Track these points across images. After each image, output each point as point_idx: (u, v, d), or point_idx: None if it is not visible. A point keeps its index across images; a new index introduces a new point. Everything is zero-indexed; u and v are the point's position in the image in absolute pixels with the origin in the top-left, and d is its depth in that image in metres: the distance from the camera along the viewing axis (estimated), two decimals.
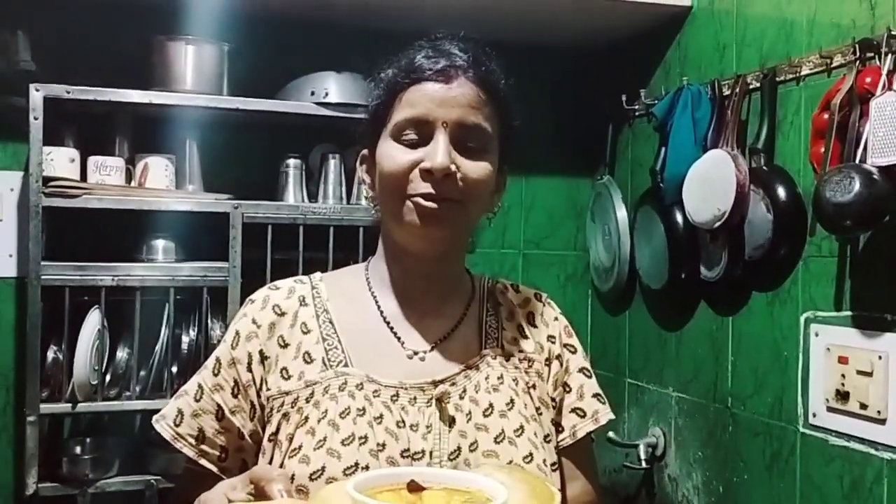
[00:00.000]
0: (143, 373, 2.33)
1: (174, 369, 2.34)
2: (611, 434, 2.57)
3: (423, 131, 1.10)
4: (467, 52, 1.14)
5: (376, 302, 1.19)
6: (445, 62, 1.11)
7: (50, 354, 2.28)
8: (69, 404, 2.24)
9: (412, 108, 1.10)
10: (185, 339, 2.38)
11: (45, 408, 2.22)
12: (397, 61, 1.15)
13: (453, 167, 1.09)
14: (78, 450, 2.41)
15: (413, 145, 1.11)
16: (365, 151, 1.20)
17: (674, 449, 2.52)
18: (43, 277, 2.19)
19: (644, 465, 2.56)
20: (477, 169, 1.11)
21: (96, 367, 2.26)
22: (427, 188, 1.09)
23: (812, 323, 1.99)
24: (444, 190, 1.09)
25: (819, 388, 1.95)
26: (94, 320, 2.25)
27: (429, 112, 1.10)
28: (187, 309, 2.40)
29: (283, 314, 1.17)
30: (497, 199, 1.23)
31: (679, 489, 2.48)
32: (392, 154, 1.11)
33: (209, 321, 2.34)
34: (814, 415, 1.97)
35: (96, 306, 2.25)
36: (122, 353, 2.37)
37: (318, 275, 1.24)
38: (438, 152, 1.08)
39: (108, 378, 2.32)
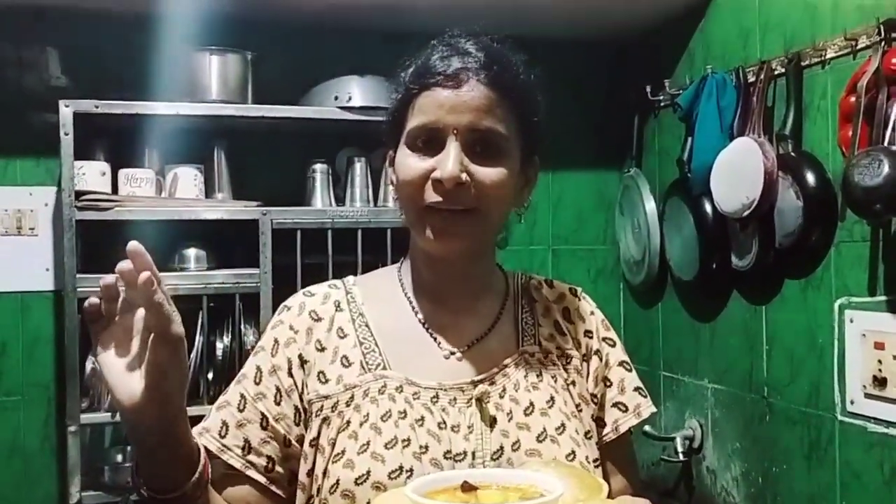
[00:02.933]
0: None
1: (210, 376, 2.37)
2: (647, 428, 2.55)
3: (434, 139, 1.09)
4: (482, 49, 1.12)
5: (411, 304, 1.19)
6: (458, 64, 1.10)
7: (88, 365, 2.32)
8: (109, 414, 2.28)
9: (423, 116, 1.10)
10: (219, 345, 2.41)
11: (86, 418, 2.26)
12: (413, 62, 1.15)
13: (464, 176, 1.07)
14: (119, 458, 2.46)
15: (427, 153, 1.10)
16: (390, 152, 1.19)
17: (711, 441, 2.50)
18: (79, 290, 2.23)
19: (682, 457, 2.54)
20: (491, 174, 1.10)
21: None
22: (439, 198, 1.08)
23: (846, 309, 1.96)
24: (457, 199, 1.08)
25: (856, 375, 1.93)
26: None
27: (439, 119, 1.09)
28: (220, 316, 2.43)
29: (319, 319, 1.17)
30: (527, 194, 1.21)
31: (718, 481, 2.46)
32: (407, 163, 1.11)
33: (242, 327, 2.37)
34: (851, 402, 1.94)
35: None
36: None
37: (351, 279, 1.25)
38: (449, 161, 1.07)
39: None
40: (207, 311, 2.36)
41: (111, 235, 2.37)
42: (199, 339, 2.35)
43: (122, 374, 0.93)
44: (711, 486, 2.48)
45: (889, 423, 1.84)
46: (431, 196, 1.09)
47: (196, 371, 2.35)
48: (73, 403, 2.24)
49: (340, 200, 2.57)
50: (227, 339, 2.41)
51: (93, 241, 2.37)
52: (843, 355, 1.96)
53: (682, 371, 2.66)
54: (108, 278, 0.91)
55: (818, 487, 2.05)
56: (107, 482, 2.30)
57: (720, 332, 2.47)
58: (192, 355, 2.34)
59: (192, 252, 2.42)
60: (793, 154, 2.08)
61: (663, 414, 2.73)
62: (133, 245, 0.90)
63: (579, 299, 1.27)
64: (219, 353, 2.41)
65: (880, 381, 1.84)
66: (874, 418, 1.88)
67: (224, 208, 2.41)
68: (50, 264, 2.52)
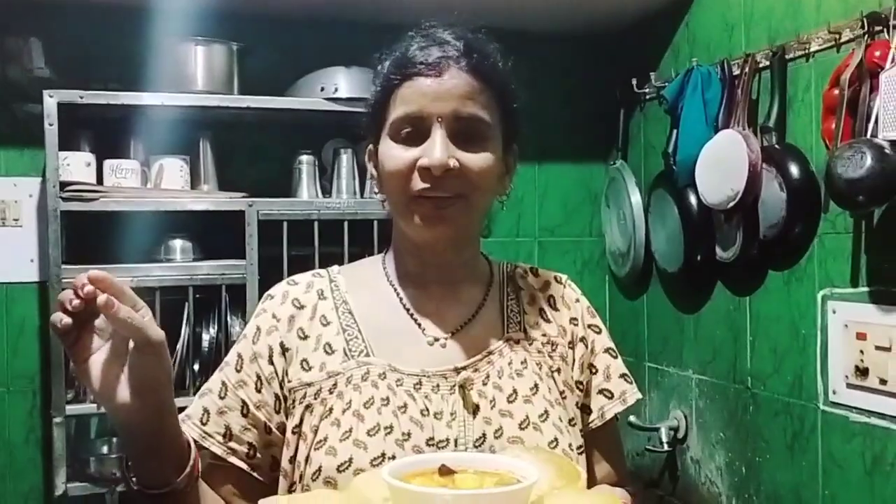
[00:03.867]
0: None
1: (196, 367, 2.36)
2: (632, 418, 2.57)
3: (419, 128, 1.10)
4: (460, 39, 1.13)
5: (395, 291, 1.20)
6: (438, 53, 1.10)
7: None
8: (94, 405, 2.27)
9: (406, 106, 1.10)
10: (205, 336, 2.41)
11: (71, 409, 2.25)
12: (391, 54, 1.15)
13: (452, 162, 1.08)
14: (105, 449, 2.45)
15: (411, 143, 1.10)
16: (371, 147, 1.19)
17: (695, 431, 2.52)
18: (63, 281, 2.22)
19: (666, 447, 2.56)
20: (477, 160, 1.10)
21: None
22: (427, 185, 1.09)
23: (829, 300, 1.98)
24: (445, 186, 1.09)
25: (838, 365, 1.95)
26: None
27: (422, 108, 1.09)
28: (207, 307, 2.42)
29: (302, 307, 1.17)
30: (508, 182, 1.22)
31: (702, 471, 2.48)
32: (392, 154, 1.11)
33: (228, 318, 2.36)
34: (834, 392, 1.96)
35: None
36: None
37: (335, 268, 1.25)
38: (435, 149, 1.07)
39: None
40: (193, 302, 2.35)
41: (96, 226, 2.37)
42: (185, 331, 2.34)
43: (105, 380, 0.93)
44: (696, 475, 2.50)
45: (871, 413, 1.86)
46: (419, 184, 1.09)
47: (182, 362, 2.34)
48: (59, 394, 2.23)
49: (327, 192, 2.56)
50: (213, 331, 2.41)
51: (78, 233, 2.36)
52: (826, 346, 1.98)
53: (666, 362, 2.68)
54: (66, 293, 0.90)
55: (801, 476, 2.07)
56: (92, 473, 2.29)
57: (705, 323, 2.48)
58: (178, 346, 2.34)
59: (177, 243, 2.41)
60: (777, 146, 2.09)
61: (648, 404, 2.75)
62: (94, 274, 0.90)
63: (564, 287, 1.28)
64: (205, 344, 2.41)
65: (862, 371, 1.86)
66: (856, 408, 1.90)
67: (210, 199, 2.41)
68: (35, 255, 2.51)
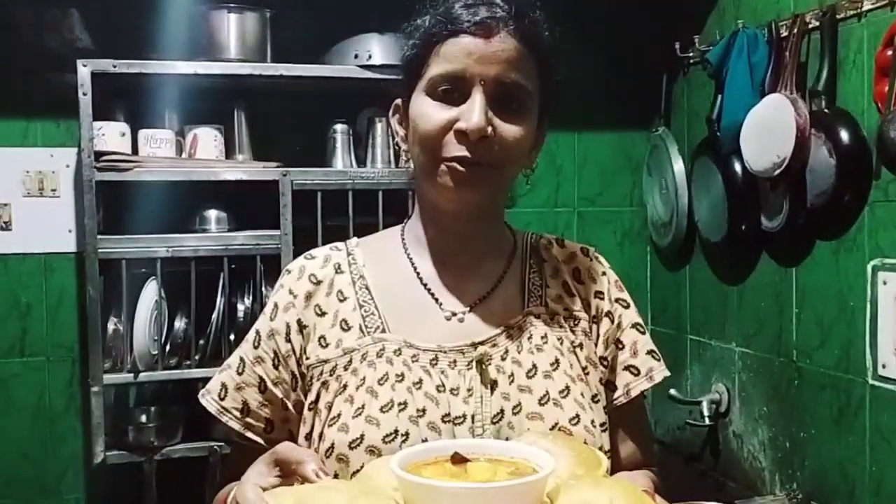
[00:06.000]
0: (201, 342, 2.36)
1: (231, 337, 2.36)
2: (673, 391, 2.52)
3: (459, 88, 1.05)
4: (509, 1, 1.08)
5: (412, 264, 1.16)
6: (486, 13, 1.05)
7: (111, 327, 2.33)
8: (131, 374, 2.29)
9: (449, 63, 1.05)
10: (240, 307, 2.41)
11: (109, 378, 2.27)
12: (434, 9, 1.09)
13: (489, 129, 1.04)
14: (143, 418, 2.47)
15: (449, 102, 1.06)
16: (398, 101, 1.15)
17: (738, 405, 2.46)
18: (100, 251, 2.23)
19: (708, 422, 2.51)
20: (514, 131, 1.06)
21: (156, 338, 2.30)
22: (462, 151, 1.04)
23: (880, 271, 1.91)
24: (480, 153, 1.04)
25: (888, 338, 1.88)
26: (150, 291, 2.28)
27: (466, 68, 1.04)
28: (242, 277, 2.42)
29: (319, 283, 1.15)
30: (535, 156, 1.17)
31: (744, 446, 2.42)
32: (427, 112, 1.07)
33: (263, 289, 2.35)
34: (883, 366, 1.89)
35: (153, 277, 2.29)
36: (180, 324, 2.41)
37: (354, 240, 1.22)
38: (475, 112, 1.03)
39: (167, 348, 2.36)
40: (228, 272, 2.35)
41: (132, 197, 2.38)
42: (220, 301, 2.34)
43: None
44: (738, 450, 2.45)
45: None
46: (453, 148, 1.05)
47: (217, 332, 2.34)
48: (96, 364, 2.24)
49: (361, 161, 2.53)
50: (248, 301, 2.41)
51: (114, 203, 2.37)
52: (876, 318, 1.91)
53: (709, 334, 2.62)
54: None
55: (847, 452, 2.01)
56: (131, 442, 2.31)
57: (748, 294, 2.42)
58: (214, 317, 2.34)
59: (212, 213, 2.40)
60: (826, 111, 2.01)
61: (690, 377, 2.69)
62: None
63: (591, 259, 1.23)
64: (240, 314, 2.41)
65: None
66: None
67: (244, 169, 2.39)
68: (72, 225, 2.53)
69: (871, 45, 1.91)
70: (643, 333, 1.21)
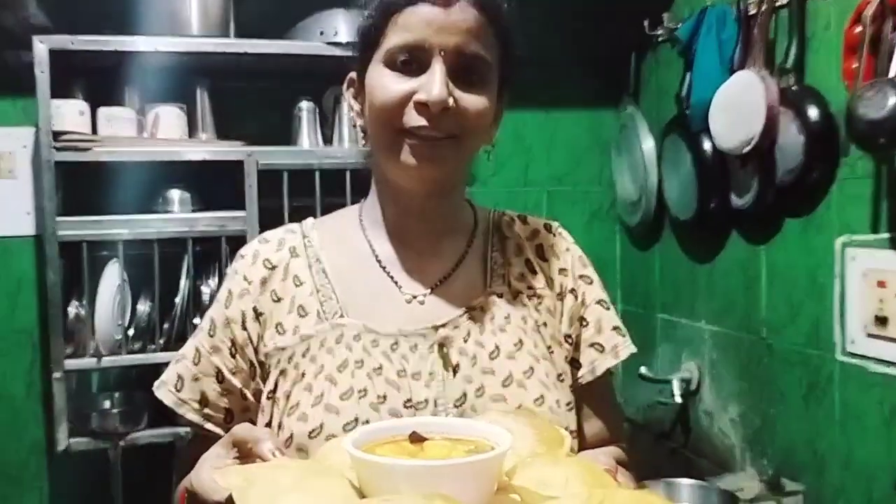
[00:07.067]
0: (165, 325, 2.32)
1: (196, 320, 2.31)
2: (643, 370, 2.52)
3: (418, 58, 1.01)
4: None
5: (370, 245, 1.12)
6: None
7: (72, 311, 2.27)
8: (94, 359, 2.24)
9: (407, 33, 1.01)
10: (205, 289, 2.36)
11: (71, 364, 2.22)
12: None
13: (451, 100, 1.00)
14: (107, 404, 2.43)
15: (407, 73, 1.02)
16: (353, 74, 1.11)
17: (708, 383, 2.47)
18: (60, 233, 2.17)
19: (678, 400, 2.51)
20: (476, 102, 1.03)
21: (119, 322, 2.25)
22: (422, 122, 1.01)
23: (848, 247, 1.91)
24: (441, 124, 1.01)
25: (856, 315, 1.88)
26: (112, 274, 2.23)
27: (425, 38, 1.01)
28: (206, 259, 2.37)
29: (273, 268, 1.10)
30: (494, 131, 1.13)
31: (715, 423, 2.43)
32: (384, 84, 1.03)
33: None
34: (852, 342, 1.90)
35: (115, 260, 2.24)
36: (143, 307, 2.36)
37: (309, 221, 1.17)
38: (435, 83, 0.99)
39: (131, 332, 2.32)
40: (193, 254, 2.30)
41: (93, 178, 2.32)
42: (184, 283, 2.30)
43: None
44: (709, 428, 2.46)
45: (890, 363, 1.80)
46: (413, 119, 1.01)
47: (182, 316, 2.30)
48: (58, 349, 2.19)
49: (328, 140, 2.49)
50: (213, 283, 2.36)
51: (74, 184, 2.31)
52: (844, 294, 1.92)
53: (678, 313, 2.62)
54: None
55: (817, 428, 2.02)
56: (94, 428, 2.26)
57: (718, 272, 2.42)
58: (178, 300, 2.30)
59: (175, 194, 2.35)
60: (795, 88, 2.01)
61: (660, 356, 2.70)
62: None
63: (554, 235, 1.20)
64: (205, 297, 2.36)
65: (881, 321, 1.80)
66: (875, 358, 1.84)
67: (208, 149, 2.34)
68: (31, 208, 2.46)
69: (839, 22, 1.89)
70: (608, 309, 1.19)
